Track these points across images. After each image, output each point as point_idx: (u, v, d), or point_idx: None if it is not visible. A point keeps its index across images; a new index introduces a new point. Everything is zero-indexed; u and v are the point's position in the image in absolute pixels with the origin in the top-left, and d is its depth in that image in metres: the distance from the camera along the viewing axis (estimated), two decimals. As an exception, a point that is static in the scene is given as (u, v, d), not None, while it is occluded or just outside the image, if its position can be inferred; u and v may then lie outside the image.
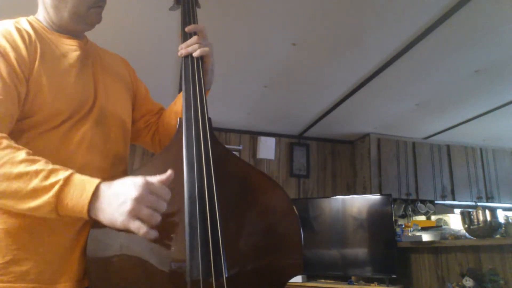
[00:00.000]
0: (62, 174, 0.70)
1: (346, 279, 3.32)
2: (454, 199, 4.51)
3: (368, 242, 3.33)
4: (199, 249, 0.76)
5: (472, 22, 2.40)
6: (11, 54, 0.80)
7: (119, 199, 0.69)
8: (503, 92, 3.42)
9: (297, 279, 3.19)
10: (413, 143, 4.59)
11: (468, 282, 2.39)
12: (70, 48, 0.93)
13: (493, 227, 2.58)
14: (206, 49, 1.00)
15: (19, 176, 0.69)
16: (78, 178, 0.71)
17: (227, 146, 4.31)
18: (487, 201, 4.62)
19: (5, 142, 0.72)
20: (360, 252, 3.32)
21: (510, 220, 2.71)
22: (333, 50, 2.79)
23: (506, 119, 4.04)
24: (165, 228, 0.80)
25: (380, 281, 3.16)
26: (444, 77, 3.16)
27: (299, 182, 4.60)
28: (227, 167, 0.90)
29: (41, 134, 0.83)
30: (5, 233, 0.75)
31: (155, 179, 0.72)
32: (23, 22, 0.90)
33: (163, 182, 0.72)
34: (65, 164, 0.75)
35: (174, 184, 0.81)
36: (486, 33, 2.51)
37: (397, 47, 2.72)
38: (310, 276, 3.43)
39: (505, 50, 2.71)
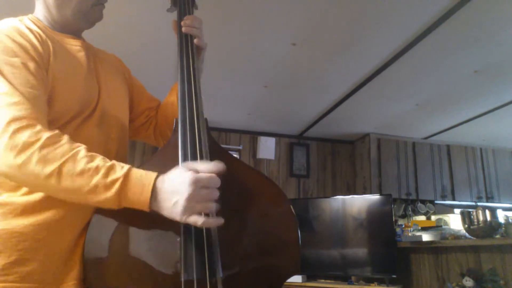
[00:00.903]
0: (120, 171, 0.73)
1: (346, 279, 3.31)
2: (454, 199, 4.51)
3: (368, 242, 3.32)
4: (194, 249, 0.76)
5: (472, 22, 2.40)
6: (32, 52, 0.81)
7: (173, 198, 0.72)
8: (503, 92, 3.42)
9: (297, 279, 3.19)
10: (413, 143, 4.59)
11: (468, 282, 2.39)
12: (75, 48, 0.93)
13: (493, 227, 2.59)
14: (204, 42, 1.04)
15: (82, 173, 0.72)
16: (136, 174, 0.74)
17: (227, 146, 4.32)
18: (487, 201, 4.62)
19: (65, 137, 0.75)
20: (360, 252, 3.32)
21: (510, 220, 2.71)
22: (333, 50, 2.79)
23: (506, 119, 4.04)
24: (161, 228, 0.80)
25: (380, 281, 3.16)
26: (444, 77, 3.16)
27: (299, 182, 4.60)
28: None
29: None
30: (10, 234, 0.76)
31: (204, 172, 0.75)
32: (28, 22, 0.89)
33: (211, 173, 0.75)
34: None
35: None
36: (486, 33, 2.51)
37: (397, 47, 2.72)
38: (310, 276, 3.42)
39: (505, 50, 2.71)
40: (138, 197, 0.72)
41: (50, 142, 0.72)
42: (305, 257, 3.37)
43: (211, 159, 0.85)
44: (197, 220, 0.72)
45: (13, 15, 0.89)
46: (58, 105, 0.83)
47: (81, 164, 0.72)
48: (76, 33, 0.97)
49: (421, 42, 2.62)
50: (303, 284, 3.20)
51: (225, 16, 2.40)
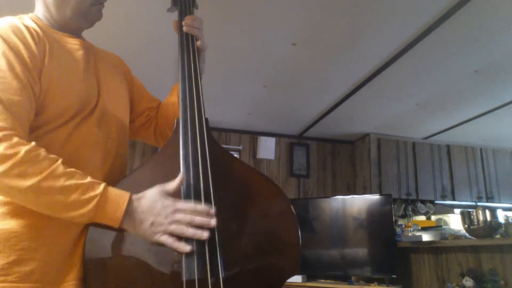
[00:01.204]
0: (98, 188, 0.76)
1: (346, 279, 3.31)
2: (454, 199, 4.51)
3: (368, 242, 3.32)
4: (195, 248, 0.76)
5: (472, 22, 2.40)
6: (25, 53, 0.80)
7: (148, 219, 0.77)
8: (503, 92, 3.42)
9: (297, 279, 3.19)
10: (413, 143, 4.59)
11: (468, 282, 2.39)
12: (74, 47, 0.93)
13: (493, 227, 2.58)
14: (196, 30, 1.04)
15: (60, 190, 0.73)
16: (112, 193, 0.77)
17: (227, 146, 4.32)
18: (487, 201, 4.62)
19: (42, 153, 0.75)
20: (360, 252, 3.31)
21: (510, 220, 2.71)
22: (333, 50, 2.79)
23: (506, 119, 4.04)
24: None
25: (380, 281, 3.16)
26: (444, 77, 3.15)
27: (299, 182, 4.60)
28: (224, 167, 0.90)
29: (47, 133, 0.83)
30: (9, 233, 0.75)
31: (180, 202, 0.79)
32: (27, 20, 0.89)
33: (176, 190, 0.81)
34: (68, 163, 0.78)
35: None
36: (486, 33, 2.51)
37: (397, 47, 2.72)
38: (310, 276, 3.42)
39: (505, 50, 2.71)
40: (113, 214, 0.76)
41: (29, 157, 0.72)
42: (305, 257, 3.37)
43: (212, 159, 0.86)
44: (165, 240, 0.76)
45: (13, 14, 0.89)
46: (54, 105, 0.83)
47: (60, 180, 0.73)
48: (75, 32, 0.97)
49: (421, 42, 2.62)
50: (303, 284, 3.20)
51: (225, 16, 2.40)
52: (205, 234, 0.77)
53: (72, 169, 0.76)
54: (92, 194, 0.75)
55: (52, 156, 0.76)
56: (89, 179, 0.77)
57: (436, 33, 2.51)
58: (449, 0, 2.21)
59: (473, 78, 3.15)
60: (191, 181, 0.82)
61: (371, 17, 2.39)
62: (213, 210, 0.79)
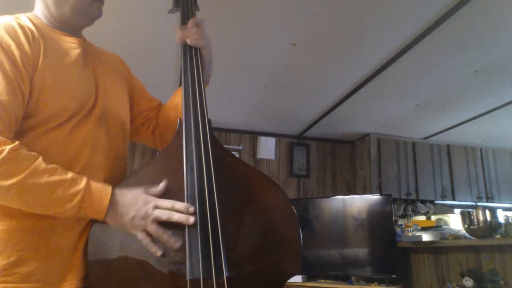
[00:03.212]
0: (82, 183, 0.77)
1: (346, 279, 3.32)
2: (454, 199, 4.51)
3: (368, 242, 3.32)
4: (199, 248, 0.76)
5: (472, 22, 2.40)
6: (16, 52, 0.79)
7: (130, 213, 0.79)
8: (503, 92, 3.42)
9: (297, 279, 3.19)
10: (413, 143, 4.59)
11: (468, 282, 2.39)
12: (71, 45, 0.93)
13: (493, 227, 2.58)
14: (204, 42, 1.03)
15: (44, 186, 0.74)
16: (95, 187, 0.78)
17: (227, 146, 4.32)
18: (487, 201, 4.62)
19: (24, 151, 0.75)
20: (360, 252, 3.32)
21: (510, 220, 2.71)
22: (333, 50, 2.79)
23: (506, 119, 4.03)
24: (166, 228, 0.80)
25: (380, 281, 3.16)
26: (444, 77, 3.16)
27: (299, 182, 4.60)
28: (227, 167, 0.90)
29: (45, 133, 0.82)
30: (10, 234, 0.76)
31: (161, 199, 0.81)
32: (24, 19, 0.89)
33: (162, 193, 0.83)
34: (69, 164, 0.80)
35: (175, 184, 0.81)
36: (486, 33, 2.51)
37: (397, 47, 2.72)
38: (310, 276, 3.43)
39: (505, 50, 2.71)
40: (97, 207, 0.77)
41: (11, 155, 0.72)
42: (305, 257, 3.37)
43: (215, 160, 0.86)
44: (142, 238, 0.79)
45: (11, 14, 0.89)
46: (51, 104, 0.82)
47: (43, 177, 0.74)
48: (75, 31, 0.96)
49: (421, 42, 2.62)
50: (303, 284, 3.20)
51: (225, 16, 2.40)
52: (177, 244, 0.78)
53: (54, 165, 0.77)
54: (76, 189, 0.76)
55: (32, 153, 0.76)
56: (70, 174, 0.77)
57: (436, 33, 2.51)
58: (449, 0, 2.21)
59: (473, 78, 3.15)
60: (195, 182, 0.82)
61: (371, 17, 2.39)
62: (193, 208, 0.80)
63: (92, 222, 0.81)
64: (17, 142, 0.75)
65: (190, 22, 1.04)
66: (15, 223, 0.76)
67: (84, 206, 0.76)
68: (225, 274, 0.77)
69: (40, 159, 0.76)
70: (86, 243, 0.80)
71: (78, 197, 0.75)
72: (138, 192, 0.81)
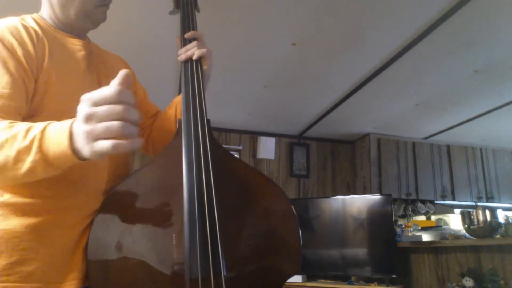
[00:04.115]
0: (38, 128, 0.66)
1: (346, 279, 3.32)
2: (454, 199, 4.51)
3: (368, 242, 3.33)
4: (198, 248, 0.77)
5: (472, 22, 2.40)
6: (19, 51, 0.80)
7: (84, 130, 0.62)
8: (503, 92, 3.42)
9: (297, 279, 3.19)
10: (413, 143, 4.59)
11: (468, 282, 2.40)
12: (76, 47, 0.93)
13: (493, 227, 2.58)
14: (204, 50, 1.02)
15: (2, 144, 0.66)
16: (53, 126, 0.67)
17: (227, 146, 4.32)
18: (487, 201, 4.62)
19: None
20: (360, 252, 3.32)
21: (510, 220, 2.71)
22: (333, 50, 2.79)
23: (506, 119, 4.04)
24: (165, 228, 0.81)
25: (380, 281, 3.16)
26: (444, 77, 3.16)
27: (299, 182, 4.60)
28: (226, 168, 0.90)
29: None
30: (11, 234, 0.76)
31: (98, 91, 0.63)
32: (29, 20, 0.89)
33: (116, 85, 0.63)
34: (71, 166, 0.74)
35: (174, 184, 0.81)
36: (486, 33, 2.51)
37: (397, 47, 2.72)
38: (310, 276, 3.43)
39: (505, 50, 2.71)
40: (59, 147, 0.64)
41: None
42: (305, 257, 3.37)
43: (214, 160, 0.86)
44: (102, 145, 0.60)
45: (14, 15, 0.89)
46: (53, 104, 0.83)
47: (1, 135, 0.67)
48: (80, 33, 0.97)
49: (421, 42, 2.62)
50: (303, 284, 3.20)
51: (225, 16, 2.40)
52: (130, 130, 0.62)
53: (18, 122, 0.70)
54: (31, 136, 0.66)
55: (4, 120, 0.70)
56: (31, 124, 0.68)
57: (436, 33, 2.51)
58: (449, 0, 2.21)
59: (473, 78, 3.15)
60: (194, 182, 0.83)
61: (371, 17, 2.39)
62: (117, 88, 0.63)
63: (93, 222, 0.81)
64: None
65: (189, 36, 1.03)
66: (17, 223, 0.77)
67: (45, 152, 0.65)
68: (223, 274, 0.77)
69: (6, 121, 0.69)
70: (87, 243, 0.81)
71: (36, 142, 0.65)
72: (84, 107, 0.63)
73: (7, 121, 0.70)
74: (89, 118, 0.61)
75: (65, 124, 0.65)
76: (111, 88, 0.62)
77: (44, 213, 0.78)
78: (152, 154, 1.17)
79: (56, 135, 0.65)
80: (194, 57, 1.00)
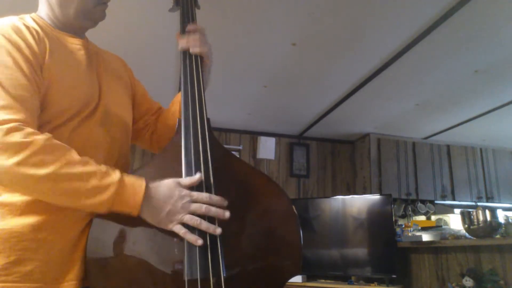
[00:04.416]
0: (115, 175, 0.76)
1: (346, 279, 3.32)
2: (454, 199, 4.51)
3: (368, 242, 3.32)
4: (197, 248, 0.76)
5: (472, 22, 2.40)
6: (26, 51, 0.80)
7: (166, 206, 0.77)
8: (503, 92, 3.42)
9: (297, 279, 3.19)
10: (413, 143, 4.59)
11: (468, 282, 2.39)
12: (76, 47, 0.93)
13: (493, 227, 2.58)
14: (206, 49, 1.02)
15: (78, 176, 0.73)
16: (128, 178, 0.77)
17: (227, 146, 4.31)
18: (487, 201, 4.62)
19: (58, 142, 0.76)
20: (360, 252, 3.32)
21: (510, 220, 2.71)
22: (333, 50, 2.78)
23: (506, 119, 4.03)
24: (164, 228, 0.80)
25: (380, 281, 3.16)
26: (444, 77, 3.15)
27: (299, 182, 4.60)
28: (226, 167, 0.90)
29: (49, 132, 0.82)
30: (10, 234, 0.76)
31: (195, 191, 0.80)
32: (28, 19, 0.89)
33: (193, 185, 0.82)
34: None
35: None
36: (486, 33, 2.51)
37: (397, 47, 2.72)
38: (310, 276, 3.42)
39: (505, 50, 2.71)
40: (132, 200, 0.75)
41: (46, 145, 0.73)
42: (305, 257, 3.37)
43: (213, 159, 0.86)
44: (179, 230, 0.77)
45: (13, 14, 0.89)
46: (55, 103, 0.83)
47: (77, 167, 0.74)
48: (79, 32, 0.97)
49: (421, 42, 2.62)
50: (303, 284, 3.20)
51: (225, 16, 2.40)
52: (218, 230, 0.77)
53: (86, 157, 0.77)
54: (109, 179, 0.75)
55: (65, 145, 0.77)
56: (104, 166, 0.78)
57: (436, 33, 2.51)
58: (449, 0, 2.21)
59: (473, 78, 3.15)
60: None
61: (371, 17, 2.39)
62: (226, 202, 0.80)
63: (91, 221, 0.81)
64: (48, 134, 0.76)
65: (191, 29, 1.03)
66: (16, 223, 0.77)
67: (118, 198, 0.75)
68: (222, 274, 0.77)
69: (74, 150, 0.76)
70: (86, 243, 0.80)
71: (111, 189, 0.74)
72: (171, 185, 0.80)
73: (74, 151, 0.77)
74: (182, 208, 0.78)
75: (140, 182, 0.78)
76: (221, 211, 0.80)
77: (43, 213, 0.78)
78: (156, 151, 1.17)
79: (132, 190, 0.76)
80: (194, 51, 1.00)
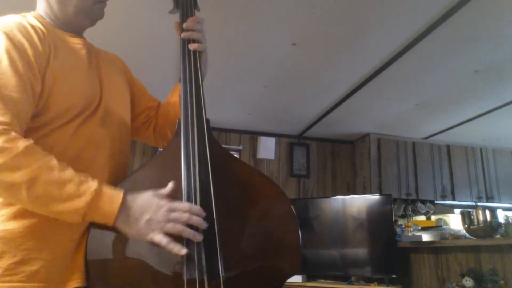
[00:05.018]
0: (93, 183, 0.76)
1: (346, 279, 3.32)
2: (454, 199, 4.51)
3: (368, 242, 3.32)
4: (196, 248, 0.76)
5: (472, 22, 2.40)
6: (29, 51, 0.80)
7: (144, 216, 0.77)
8: (503, 92, 3.42)
9: (297, 279, 3.19)
10: (413, 143, 4.59)
11: (468, 282, 2.39)
12: (77, 46, 0.94)
13: (493, 227, 2.58)
14: (204, 45, 1.03)
15: (55, 181, 0.73)
16: (106, 189, 0.77)
17: (227, 146, 4.32)
18: (487, 201, 4.62)
19: (38, 148, 0.75)
20: (360, 252, 3.32)
21: (510, 220, 2.71)
22: (333, 50, 2.78)
23: (506, 119, 4.03)
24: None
25: (380, 281, 3.16)
26: (444, 77, 3.15)
27: (299, 182, 4.60)
28: (226, 168, 0.90)
29: (52, 132, 0.83)
30: (15, 234, 0.76)
31: (175, 202, 0.80)
32: (31, 18, 0.89)
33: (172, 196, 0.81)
34: (73, 162, 0.79)
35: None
36: (486, 33, 2.51)
37: (397, 47, 2.72)
38: (310, 276, 3.42)
39: (505, 50, 2.71)
40: (108, 209, 0.75)
41: (23, 151, 0.72)
42: (305, 257, 3.37)
43: (213, 160, 0.86)
44: (161, 240, 0.76)
45: (12, 13, 0.89)
46: (59, 103, 0.83)
47: (54, 172, 0.73)
48: (77, 31, 0.97)
49: (421, 42, 2.62)
50: (303, 284, 3.20)
51: (225, 16, 2.40)
52: (198, 237, 0.77)
53: (64, 163, 0.76)
54: (86, 186, 0.74)
55: (45, 151, 0.76)
56: (83, 174, 0.77)
57: (436, 33, 2.51)
58: (449, 0, 2.21)
59: (473, 78, 3.15)
60: (192, 182, 0.82)
61: (371, 17, 2.39)
62: (205, 213, 0.79)
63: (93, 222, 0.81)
64: (31, 140, 0.75)
65: (192, 20, 1.04)
66: (21, 223, 0.77)
67: (94, 206, 0.74)
68: (221, 274, 0.77)
69: (53, 156, 0.76)
70: (86, 244, 0.80)
71: (88, 195, 0.73)
72: (149, 196, 0.79)
73: (53, 157, 0.76)
74: (170, 220, 0.77)
75: (118, 192, 0.78)
76: (200, 219, 0.79)
77: (48, 213, 0.78)
78: (161, 145, 1.18)
79: (109, 198, 0.76)
80: (199, 49, 1.01)
